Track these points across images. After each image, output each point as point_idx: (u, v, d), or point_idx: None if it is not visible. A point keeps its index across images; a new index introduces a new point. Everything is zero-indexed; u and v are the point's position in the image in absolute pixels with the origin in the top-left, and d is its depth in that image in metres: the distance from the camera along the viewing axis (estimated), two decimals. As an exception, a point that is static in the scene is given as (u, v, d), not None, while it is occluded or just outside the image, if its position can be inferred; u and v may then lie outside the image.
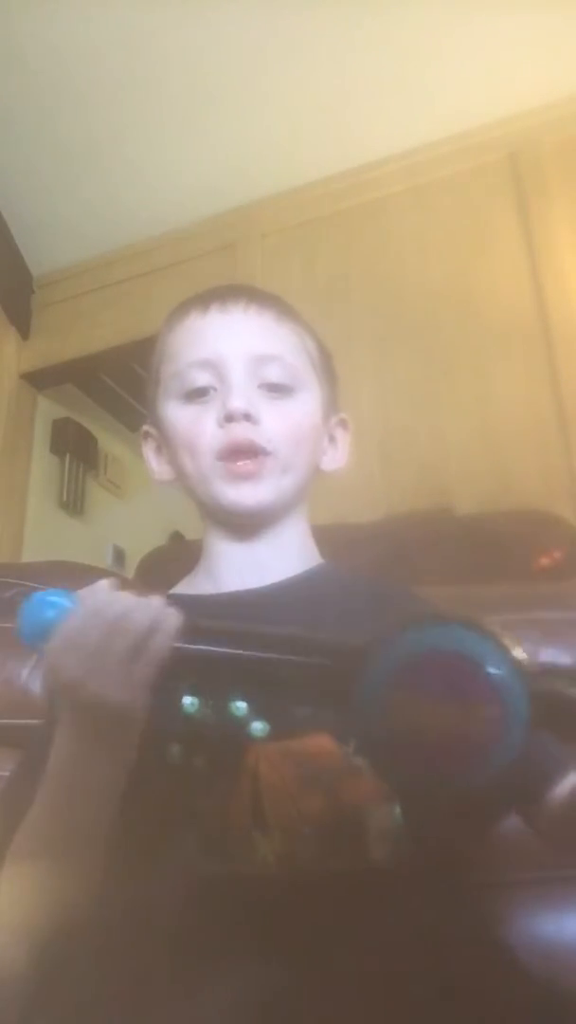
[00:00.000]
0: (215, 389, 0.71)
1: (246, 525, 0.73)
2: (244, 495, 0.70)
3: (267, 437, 0.70)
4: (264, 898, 0.52)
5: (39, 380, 2.89)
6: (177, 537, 3.16)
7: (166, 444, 0.76)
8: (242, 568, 0.72)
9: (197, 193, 2.56)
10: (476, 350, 2.17)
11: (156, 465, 0.78)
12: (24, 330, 2.85)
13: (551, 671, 0.48)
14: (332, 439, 0.79)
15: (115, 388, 3.12)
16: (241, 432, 0.69)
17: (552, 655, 0.85)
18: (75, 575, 1.07)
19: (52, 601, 0.53)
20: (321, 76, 2.22)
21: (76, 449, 3.05)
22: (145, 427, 0.80)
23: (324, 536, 0.79)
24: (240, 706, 0.57)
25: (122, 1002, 0.48)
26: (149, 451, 0.79)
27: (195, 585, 0.75)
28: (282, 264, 2.47)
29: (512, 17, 2.04)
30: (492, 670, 0.44)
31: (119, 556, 3.13)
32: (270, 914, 0.51)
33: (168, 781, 0.56)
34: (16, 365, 2.82)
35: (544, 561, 1.40)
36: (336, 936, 0.50)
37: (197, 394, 0.72)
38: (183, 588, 0.76)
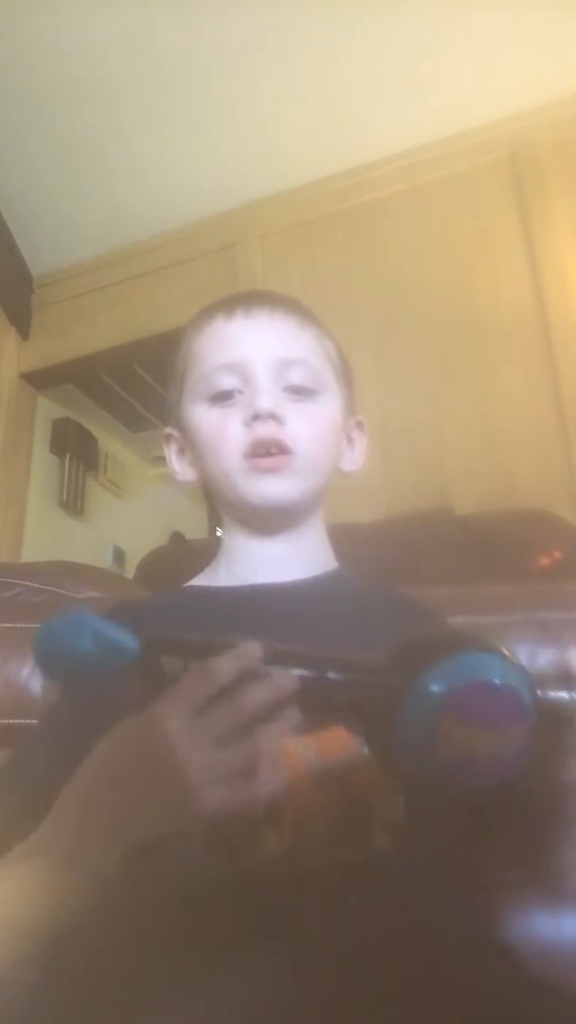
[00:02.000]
0: (241, 392, 0.73)
1: (269, 523, 0.74)
2: (270, 488, 0.71)
3: (292, 437, 0.71)
4: (267, 894, 0.52)
5: (39, 380, 2.89)
6: (177, 537, 3.16)
7: (189, 446, 0.78)
8: (262, 564, 0.74)
9: (197, 193, 2.57)
10: (476, 350, 2.17)
11: (178, 467, 0.80)
12: (24, 330, 2.85)
13: (548, 680, 0.51)
14: (350, 440, 0.82)
15: (115, 388, 3.12)
16: (267, 431, 0.71)
17: (552, 655, 0.85)
18: (76, 575, 1.07)
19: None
20: (321, 76, 2.22)
21: (76, 449, 3.05)
22: (167, 430, 0.81)
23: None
24: None
25: (124, 1000, 0.48)
26: (171, 453, 0.81)
27: (215, 578, 0.76)
28: (282, 264, 2.47)
29: (512, 17, 2.04)
30: (521, 691, 0.48)
31: (119, 556, 3.13)
32: (275, 909, 0.51)
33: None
34: (16, 365, 2.83)
35: (544, 561, 1.40)
36: (337, 934, 0.50)
37: (223, 397, 0.74)
38: (202, 580, 0.77)
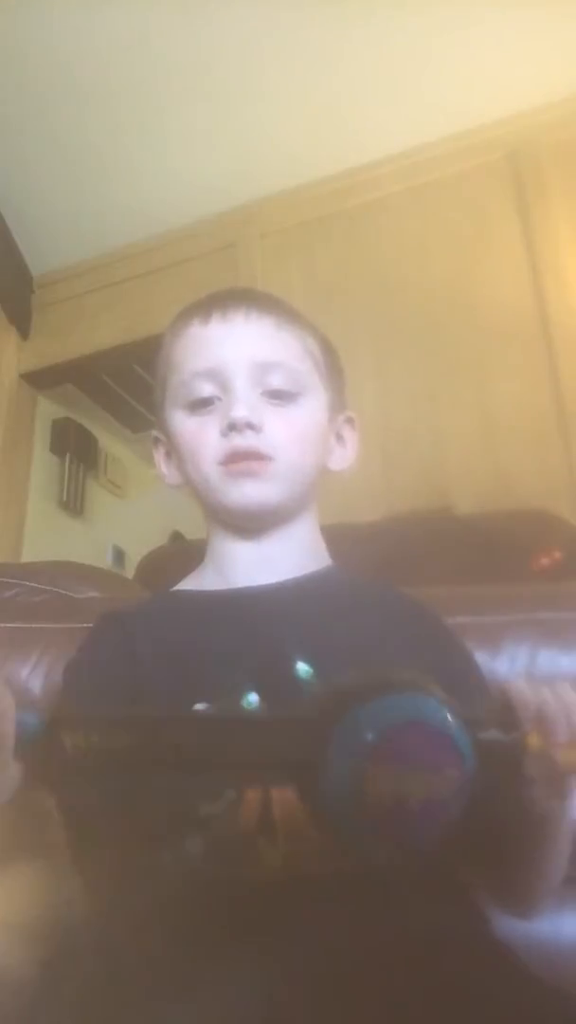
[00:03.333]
0: (219, 399, 0.72)
1: (252, 526, 0.73)
2: (248, 494, 0.70)
3: (271, 444, 0.70)
4: (265, 900, 0.52)
5: (39, 380, 2.89)
6: (177, 537, 3.16)
7: (174, 451, 0.77)
8: (251, 565, 0.73)
9: (197, 193, 2.56)
10: (476, 350, 2.17)
11: (166, 470, 0.80)
12: (24, 330, 2.85)
13: (485, 721, 0.50)
14: (340, 438, 0.79)
15: (115, 388, 3.12)
16: (244, 442, 0.69)
17: (552, 655, 0.85)
18: (76, 575, 1.07)
19: None
20: (321, 76, 2.22)
21: (76, 449, 3.05)
22: (154, 433, 0.81)
23: (324, 536, 0.80)
24: None
25: (123, 1003, 0.48)
26: (159, 456, 0.80)
27: (203, 582, 0.75)
28: (282, 264, 2.47)
29: (512, 17, 2.04)
30: (453, 732, 0.46)
31: (119, 556, 3.13)
32: (271, 916, 0.51)
33: (173, 785, 0.56)
34: (16, 365, 2.82)
35: (544, 561, 1.40)
36: (337, 938, 0.50)
37: (201, 404, 0.72)
38: (190, 584, 0.76)
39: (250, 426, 0.69)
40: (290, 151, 2.44)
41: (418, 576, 0.92)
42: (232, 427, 0.70)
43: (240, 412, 0.69)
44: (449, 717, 0.46)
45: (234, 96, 2.28)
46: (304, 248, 2.49)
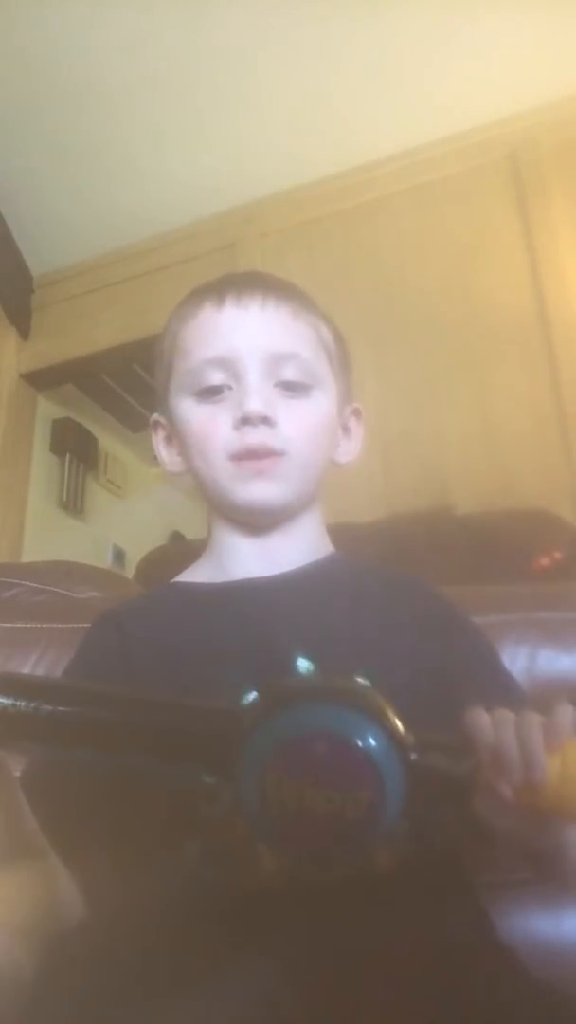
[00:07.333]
0: (230, 388, 0.70)
1: (257, 523, 0.72)
2: (258, 492, 0.69)
3: (283, 438, 0.68)
4: (266, 903, 0.52)
5: (39, 380, 2.89)
6: (177, 537, 3.17)
7: (177, 437, 0.74)
8: (252, 558, 0.71)
9: (197, 193, 2.57)
10: (476, 350, 2.17)
11: (166, 456, 0.77)
12: (24, 330, 2.85)
13: (430, 744, 0.46)
14: (346, 430, 0.78)
15: (115, 388, 3.12)
16: (257, 436, 0.68)
17: (552, 655, 0.85)
18: (76, 575, 1.07)
19: None
20: (321, 76, 2.22)
21: (76, 449, 3.05)
22: (155, 417, 0.78)
23: (324, 535, 0.79)
24: None
25: (122, 1005, 0.48)
26: (159, 441, 0.78)
27: (202, 574, 0.74)
28: (282, 264, 2.47)
29: (512, 17, 2.03)
30: (370, 749, 0.44)
31: (119, 556, 3.13)
32: (271, 919, 0.51)
33: (172, 789, 0.55)
34: (16, 365, 2.83)
35: (544, 561, 1.40)
36: (337, 941, 0.50)
37: (211, 392, 0.70)
38: (188, 576, 0.75)
39: (264, 420, 0.67)
40: (290, 151, 2.44)
41: (418, 576, 0.92)
42: (246, 420, 0.67)
43: (255, 405, 0.67)
44: (374, 734, 0.44)
45: (234, 96, 2.28)
46: (304, 248, 2.49)
